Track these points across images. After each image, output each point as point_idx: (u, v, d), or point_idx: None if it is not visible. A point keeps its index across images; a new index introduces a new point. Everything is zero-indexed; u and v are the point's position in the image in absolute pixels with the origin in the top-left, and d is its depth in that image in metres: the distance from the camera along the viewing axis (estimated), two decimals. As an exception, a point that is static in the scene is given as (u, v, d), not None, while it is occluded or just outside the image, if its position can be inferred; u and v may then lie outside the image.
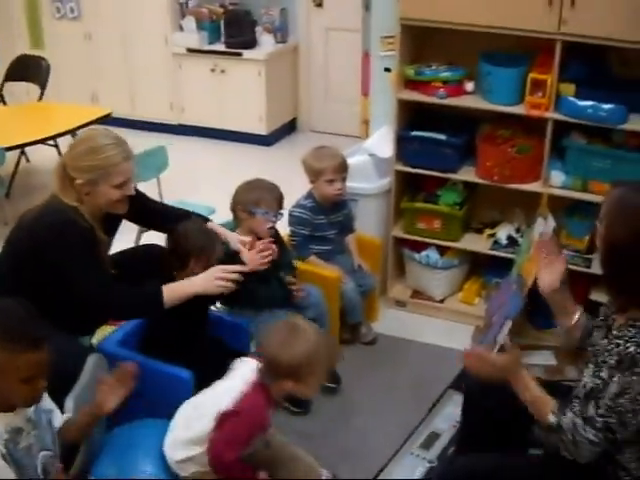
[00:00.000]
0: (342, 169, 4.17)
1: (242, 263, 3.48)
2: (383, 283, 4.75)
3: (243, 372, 2.91)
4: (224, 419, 2.80)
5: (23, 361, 2.28)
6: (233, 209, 3.82)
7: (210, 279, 3.25)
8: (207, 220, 3.68)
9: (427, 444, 3.61)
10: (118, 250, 3.69)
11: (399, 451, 3.57)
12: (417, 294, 4.80)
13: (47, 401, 2.60)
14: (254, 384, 2.83)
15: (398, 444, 3.60)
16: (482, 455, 2.75)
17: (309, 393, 2.92)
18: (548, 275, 2.84)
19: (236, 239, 3.62)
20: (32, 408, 2.47)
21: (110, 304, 3.21)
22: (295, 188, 4.20)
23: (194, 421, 2.90)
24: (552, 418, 2.49)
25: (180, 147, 6.11)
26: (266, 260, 3.55)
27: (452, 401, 3.85)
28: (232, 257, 3.53)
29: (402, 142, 4.44)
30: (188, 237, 3.37)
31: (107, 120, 5.97)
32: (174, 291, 3.22)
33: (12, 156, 6.12)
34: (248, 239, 3.62)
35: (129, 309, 3.30)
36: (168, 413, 3.03)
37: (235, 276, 3.29)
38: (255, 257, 3.52)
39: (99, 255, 3.25)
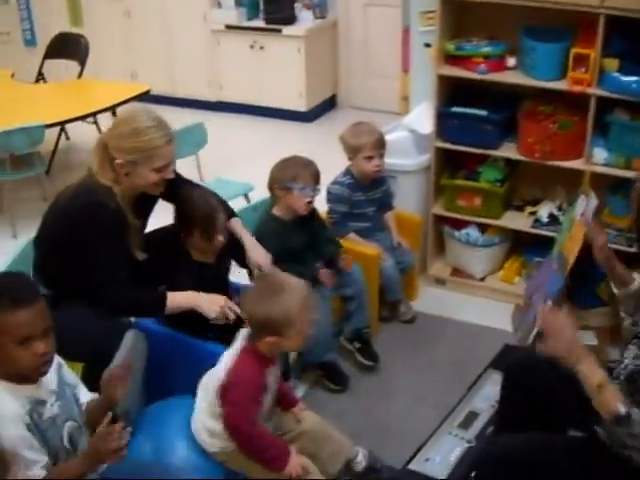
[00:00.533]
0: (380, 145, 4.13)
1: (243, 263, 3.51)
2: (422, 261, 4.72)
3: (236, 342, 2.91)
4: (224, 392, 2.80)
5: (10, 322, 2.26)
6: (270, 188, 3.79)
7: (214, 303, 3.22)
8: (235, 216, 3.64)
9: (466, 424, 3.58)
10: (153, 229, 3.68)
11: (437, 430, 3.54)
12: (457, 272, 4.76)
13: (70, 375, 2.61)
14: (242, 348, 2.83)
15: (436, 423, 3.58)
16: (521, 436, 2.71)
17: (294, 346, 2.92)
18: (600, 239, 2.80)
19: (256, 259, 3.54)
20: (55, 381, 2.48)
21: (115, 302, 3.18)
22: (334, 165, 4.17)
23: (205, 396, 2.90)
24: (622, 408, 2.32)
25: (218, 124, 6.10)
26: None
27: (491, 380, 3.80)
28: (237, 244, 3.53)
29: (442, 118, 4.39)
30: (192, 204, 3.37)
31: (146, 97, 5.98)
32: (178, 301, 3.20)
33: (52, 133, 6.14)
34: (263, 264, 3.53)
35: (131, 310, 3.29)
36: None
37: (233, 317, 3.21)
38: None
39: (127, 240, 3.23)
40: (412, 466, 3.31)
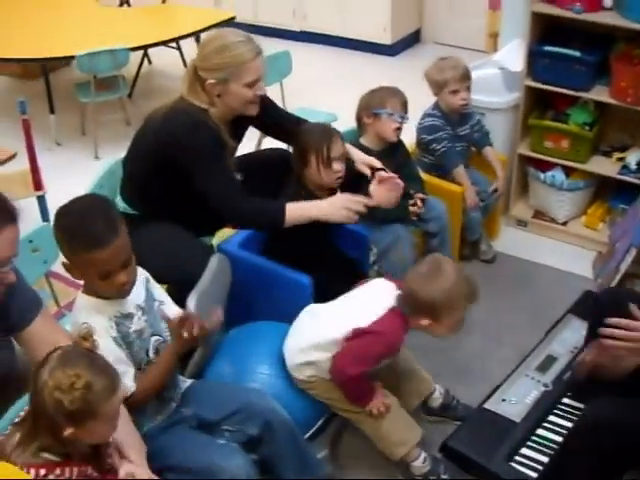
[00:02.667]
0: (465, 78, 4.07)
1: (367, 192, 3.33)
2: (505, 201, 4.65)
3: (383, 295, 2.89)
4: (359, 335, 2.79)
5: (89, 259, 2.29)
6: (358, 117, 3.75)
7: (336, 206, 3.17)
8: None
9: (543, 367, 3.52)
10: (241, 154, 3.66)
11: (514, 372, 3.50)
12: (539, 214, 4.68)
13: (159, 291, 2.65)
14: (394, 310, 2.82)
15: (513, 365, 3.54)
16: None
17: (441, 334, 2.88)
18: None
19: (362, 159, 3.49)
20: (142, 295, 2.53)
21: (234, 214, 3.19)
22: (417, 100, 4.08)
23: (320, 328, 2.91)
24: None
25: (302, 54, 6.04)
26: (393, 200, 3.37)
27: (571, 326, 3.73)
28: (356, 177, 3.45)
29: (533, 57, 4.28)
30: (307, 134, 3.32)
31: (230, 24, 5.92)
32: (297, 211, 3.15)
33: (135, 57, 6.15)
34: (373, 161, 3.49)
35: (251, 222, 3.29)
36: (284, 317, 3.05)
37: (361, 208, 3.18)
38: (383, 193, 3.33)
39: (226, 159, 3.23)
40: (488, 405, 3.28)
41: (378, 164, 3.47)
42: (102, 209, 2.36)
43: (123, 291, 2.40)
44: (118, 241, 2.30)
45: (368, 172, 3.44)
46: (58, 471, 1.99)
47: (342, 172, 3.30)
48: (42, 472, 1.98)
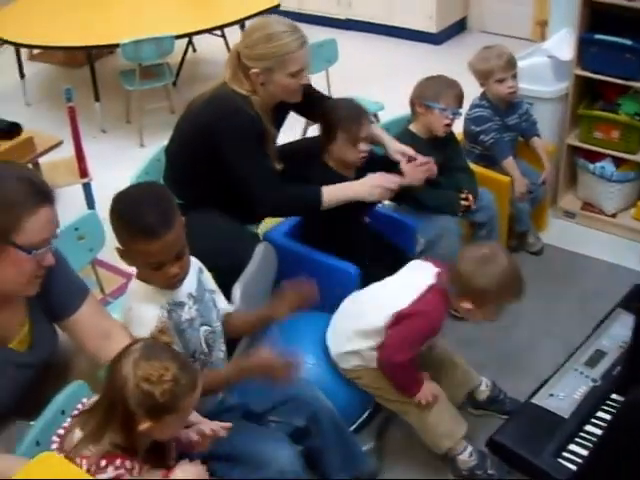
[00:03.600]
0: (511, 66, 4.00)
1: (400, 173, 3.36)
2: (553, 192, 4.59)
3: (422, 275, 2.87)
4: (402, 319, 2.79)
5: (143, 249, 2.27)
6: (411, 103, 3.70)
7: (369, 186, 3.20)
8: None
9: (592, 362, 3.45)
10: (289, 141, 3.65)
11: (562, 366, 3.44)
12: (588, 206, 4.61)
13: (211, 282, 2.63)
14: (436, 289, 2.79)
15: (561, 359, 3.47)
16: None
17: (479, 319, 2.87)
18: None
19: (395, 148, 3.47)
20: (194, 285, 2.50)
21: (270, 203, 3.18)
22: (464, 90, 4.03)
23: (363, 315, 2.90)
24: None
25: (347, 42, 6.00)
26: (425, 176, 3.40)
27: (620, 320, 3.65)
28: (389, 164, 3.42)
29: (583, 45, 4.20)
30: (335, 109, 3.30)
31: (274, 12, 5.90)
32: (334, 193, 3.17)
33: (180, 45, 6.15)
34: (407, 149, 3.46)
35: (288, 210, 3.31)
36: (330, 307, 3.03)
37: (394, 186, 3.22)
38: (415, 170, 3.37)
39: (266, 147, 3.21)
40: (535, 400, 3.23)
41: (411, 152, 3.44)
42: (159, 199, 2.32)
43: (174, 283, 2.38)
44: (171, 234, 2.26)
45: (402, 160, 3.42)
46: (118, 462, 1.97)
47: (367, 152, 3.30)
48: (103, 463, 1.95)
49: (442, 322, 2.86)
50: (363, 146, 3.26)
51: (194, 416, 2.24)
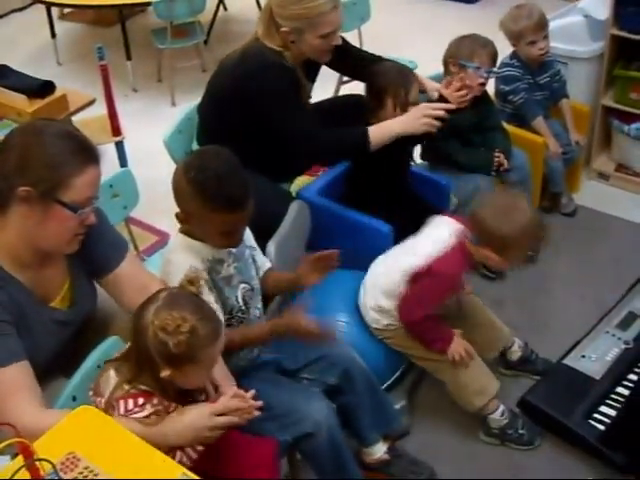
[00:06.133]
0: (541, 27, 3.92)
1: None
2: (587, 154, 4.54)
3: (441, 232, 2.86)
4: (419, 277, 2.79)
5: (222, 218, 2.29)
6: (445, 62, 3.66)
7: (416, 117, 3.15)
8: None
9: (624, 324, 3.45)
10: (318, 100, 3.62)
11: (595, 328, 3.44)
12: (622, 168, 4.56)
13: (250, 238, 2.63)
14: (452, 244, 2.78)
15: (594, 320, 3.47)
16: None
17: (504, 266, 2.89)
18: None
19: (434, 87, 3.45)
20: None
21: (317, 148, 3.17)
22: (497, 48, 4.00)
23: (387, 274, 2.91)
24: None
25: (380, 0, 5.93)
26: (468, 98, 3.32)
27: (653, 283, 3.66)
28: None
29: (620, 4, 4.12)
30: (384, 74, 3.25)
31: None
32: (380, 131, 3.14)
33: (210, 4, 6.11)
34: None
35: (336, 152, 3.28)
36: (363, 265, 3.04)
37: (441, 113, 3.16)
38: (456, 94, 3.28)
39: (302, 98, 3.20)
40: (567, 361, 3.24)
41: (443, 90, 3.35)
42: (239, 170, 2.34)
43: (237, 243, 2.44)
44: (250, 205, 2.32)
45: (442, 89, 3.34)
46: (156, 400, 1.99)
47: None
48: (140, 400, 1.97)
49: (460, 280, 2.87)
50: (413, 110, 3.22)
51: (224, 377, 2.27)
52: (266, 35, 3.15)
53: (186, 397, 2.08)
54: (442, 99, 3.25)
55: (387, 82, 3.22)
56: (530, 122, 3.98)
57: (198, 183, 2.27)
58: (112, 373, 2.03)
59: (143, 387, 2.00)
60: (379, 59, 3.51)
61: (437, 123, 3.16)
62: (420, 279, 2.79)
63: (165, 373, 1.95)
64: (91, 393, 2.04)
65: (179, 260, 2.36)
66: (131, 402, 1.97)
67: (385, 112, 3.22)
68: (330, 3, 3.07)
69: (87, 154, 2.11)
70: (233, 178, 2.30)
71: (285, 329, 2.45)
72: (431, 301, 2.80)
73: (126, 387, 1.99)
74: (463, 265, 2.82)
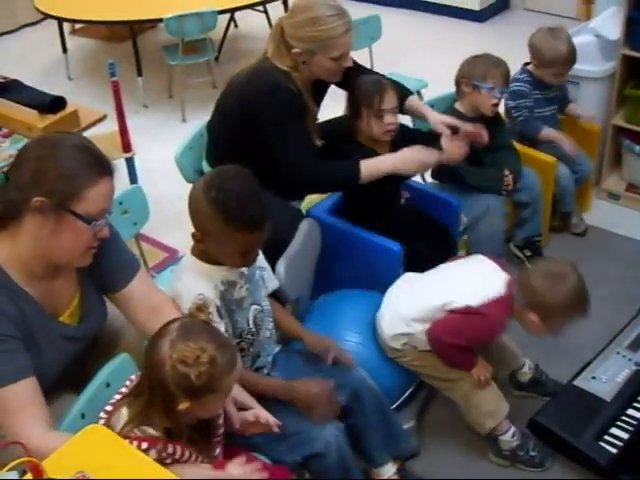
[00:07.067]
0: (573, 62, 3.94)
1: (440, 147, 3.29)
2: (597, 173, 4.53)
3: (490, 275, 2.87)
4: (468, 313, 2.78)
5: (241, 239, 2.30)
6: (457, 82, 3.66)
7: (408, 158, 3.16)
8: (410, 94, 3.53)
9: (635, 345, 3.43)
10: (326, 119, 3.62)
11: (605, 349, 3.42)
12: (632, 188, 4.54)
13: (261, 258, 2.62)
14: (505, 296, 2.79)
15: (604, 342, 3.45)
16: None
17: (544, 333, 2.85)
18: None
19: (437, 119, 3.42)
20: None
21: (306, 181, 3.17)
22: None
23: (423, 298, 2.89)
24: None
25: (391, 19, 5.96)
26: (464, 155, 3.32)
27: (664, 304, 3.64)
28: (431, 138, 3.38)
29: (631, 24, 4.12)
30: (359, 85, 3.26)
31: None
32: (371, 167, 3.13)
33: (221, 21, 6.14)
34: (449, 119, 3.41)
35: (326, 184, 3.26)
36: (373, 285, 3.02)
37: (433, 159, 3.18)
38: (455, 147, 3.30)
39: (306, 123, 3.20)
40: (577, 382, 3.22)
41: (454, 121, 3.39)
42: (257, 191, 2.35)
43: (252, 263, 2.47)
44: (268, 225, 2.34)
45: (447, 131, 3.35)
46: (160, 446, 1.96)
47: (394, 125, 3.25)
48: (144, 445, 1.95)
49: (500, 331, 2.90)
50: (389, 118, 3.21)
51: (250, 400, 2.29)
52: (276, 55, 3.15)
53: (197, 428, 2.07)
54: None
55: (361, 92, 3.23)
56: (535, 138, 3.98)
57: (219, 203, 2.27)
58: (124, 411, 2.01)
59: (150, 430, 1.97)
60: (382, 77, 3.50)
61: (427, 169, 3.21)
62: (468, 315, 2.78)
63: (184, 405, 1.93)
64: (102, 422, 2.01)
65: (189, 284, 2.35)
66: (134, 445, 1.94)
67: (362, 122, 3.24)
68: (343, 27, 3.07)
69: (102, 167, 2.11)
70: (253, 199, 2.31)
71: (299, 399, 2.46)
72: (464, 338, 2.80)
73: (134, 428, 1.97)
74: (507, 319, 2.84)
